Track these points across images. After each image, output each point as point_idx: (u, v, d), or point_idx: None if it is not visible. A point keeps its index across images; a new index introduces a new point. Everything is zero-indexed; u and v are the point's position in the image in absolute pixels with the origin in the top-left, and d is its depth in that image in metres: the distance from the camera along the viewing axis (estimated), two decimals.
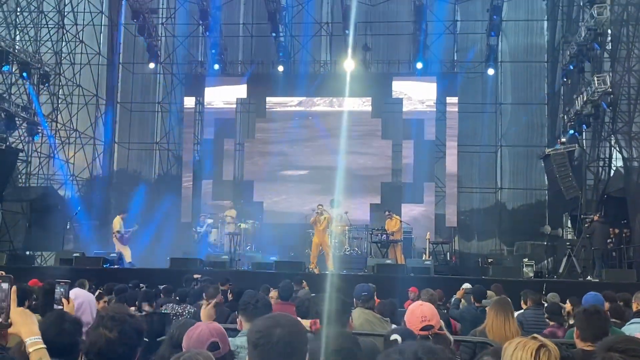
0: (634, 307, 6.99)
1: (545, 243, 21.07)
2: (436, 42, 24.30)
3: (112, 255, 16.83)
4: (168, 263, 15.95)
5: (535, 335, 2.83)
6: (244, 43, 26.64)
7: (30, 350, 2.68)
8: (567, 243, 18.44)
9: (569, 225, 21.00)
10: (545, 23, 25.12)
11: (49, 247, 20.09)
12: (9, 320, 2.78)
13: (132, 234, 18.56)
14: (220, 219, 20.93)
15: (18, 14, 22.43)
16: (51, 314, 3.50)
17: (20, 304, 5.15)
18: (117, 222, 18.30)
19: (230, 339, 3.59)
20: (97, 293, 7.86)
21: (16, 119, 20.70)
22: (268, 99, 25.17)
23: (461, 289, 10.35)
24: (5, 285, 2.77)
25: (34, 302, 6.16)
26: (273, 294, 7.88)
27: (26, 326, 2.73)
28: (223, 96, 25.58)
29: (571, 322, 7.07)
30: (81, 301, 4.79)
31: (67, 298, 4.18)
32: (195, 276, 12.12)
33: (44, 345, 2.70)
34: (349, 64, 22.94)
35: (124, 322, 2.88)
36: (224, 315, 7.52)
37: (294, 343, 2.40)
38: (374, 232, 19.00)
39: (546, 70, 24.82)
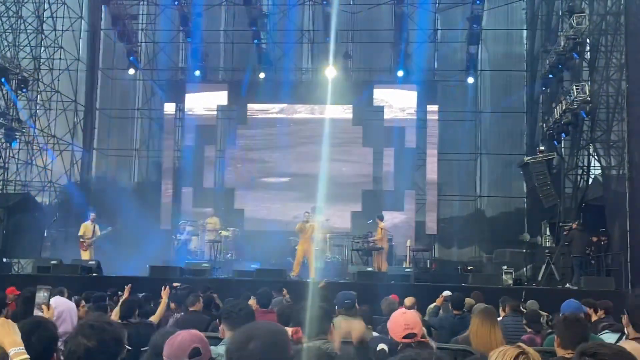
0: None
1: (524, 251, 21.23)
2: (417, 51, 24.42)
3: (90, 263, 16.67)
4: (147, 271, 15.82)
5: (519, 344, 2.84)
6: (225, 49, 26.56)
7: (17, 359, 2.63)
8: (546, 251, 18.59)
9: (548, 232, 21.15)
10: (525, 32, 25.33)
11: (26, 254, 19.83)
12: None
13: (106, 238, 18.41)
14: (200, 226, 20.82)
15: None
16: (25, 321, 3.44)
17: None
18: (83, 227, 18.21)
19: (212, 347, 3.55)
20: (73, 299, 7.76)
21: None
22: (249, 105, 25.12)
23: (440, 296, 10.36)
24: None
25: (9, 311, 6.07)
26: (252, 302, 7.84)
27: (9, 336, 2.69)
28: (204, 103, 25.49)
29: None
30: (62, 310, 4.73)
31: (48, 305, 4.13)
32: (175, 284, 12.02)
33: (28, 356, 2.66)
34: (330, 72, 22.99)
35: (103, 331, 2.86)
36: (204, 324, 7.46)
37: (270, 354, 2.37)
38: (356, 239, 19.00)
39: (525, 79, 25.01)
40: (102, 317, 3.10)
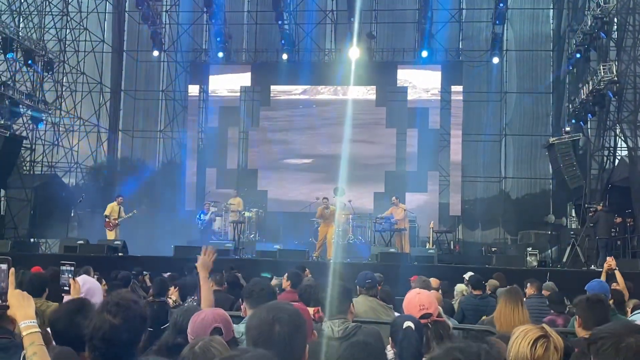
0: None
1: (549, 232, 21.08)
2: (441, 31, 24.19)
3: (116, 242, 16.87)
4: (172, 251, 15.98)
5: (543, 325, 2.83)
6: (248, 31, 26.55)
7: (24, 333, 2.64)
8: (571, 232, 18.46)
9: (573, 214, 20.98)
10: (551, 11, 24.98)
11: (53, 235, 20.14)
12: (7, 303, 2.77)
13: (131, 220, 18.60)
14: (224, 207, 20.95)
15: (22, 1, 22.37)
16: (68, 304, 3.50)
17: (38, 293, 5.15)
18: (110, 208, 18.39)
19: (234, 325, 3.60)
20: (95, 277, 7.85)
21: (20, 106, 20.72)
22: (272, 87, 25.14)
23: (464, 277, 10.33)
24: (3, 267, 2.74)
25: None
26: (285, 281, 7.89)
27: (22, 309, 2.69)
28: (227, 84, 25.56)
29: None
30: (89, 287, 4.80)
31: (74, 279, 4.18)
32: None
33: (38, 330, 2.66)
34: (354, 53, 22.85)
35: (129, 308, 2.88)
36: (228, 303, 7.53)
37: (293, 339, 2.38)
38: (377, 220, 19.00)
39: (551, 59, 24.70)
40: (127, 294, 3.13)
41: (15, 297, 2.73)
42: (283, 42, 24.48)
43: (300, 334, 2.43)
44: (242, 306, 4.55)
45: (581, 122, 20.36)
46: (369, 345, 3.42)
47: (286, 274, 7.93)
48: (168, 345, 3.34)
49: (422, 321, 3.90)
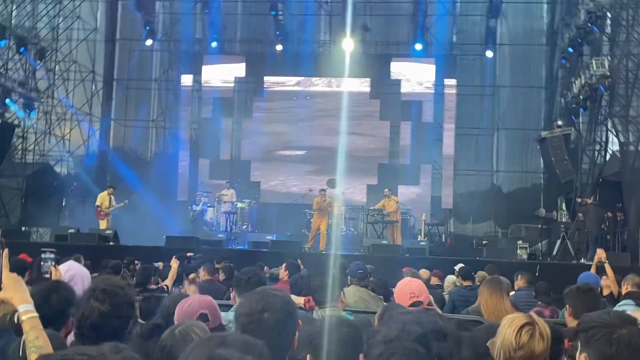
0: (624, 289, 7.05)
1: (540, 226, 21.15)
2: (436, 24, 24.18)
3: (107, 232, 16.85)
4: (164, 241, 15.97)
5: (531, 313, 2.85)
6: (242, 21, 26.44)
7: (23, 318, 2.62)
8: (562, 226, 18.51)
9: (564, 208, 21.06)
10: (545, 6, 24.97)
11: (44, 223, 20.10)
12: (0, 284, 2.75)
13: (123, 209, 18.57)
14: (216, 198, 20.94)
15: None
16: (43, 285, 3.49)
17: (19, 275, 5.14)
18: (100, 197, 18.35)
19: (223, 313, 3.62)
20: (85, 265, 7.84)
21: (13, 94, 20.63)
22: (266, 78, 25.11)
23: (455, 269, 10.40)
24: None
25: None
26: (283, 271, 7.93)
27: (19, 293, 2.66)
28: (221, 74, 25.49)
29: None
30: (73, 273, 4.78)
31: (55, 266, 4.17)
32: (189, 254, 12.12)
33: (37, 314, 2.65)
34: (348, 44, 22.80)
35: (116, 295, 2.87)
36: (220, 292, 7.57)
37: (283, 327, 2.39)
38: (370, 212, 19.04)
39: (545, 54, 24.72)
40: (114, 280, 3.13)
41: (10, 280, 2.69)
42: (277, 33, 24.41)
43: (290, 321, 2.44)
44: (231, 294, 4.59)
45: (573, 117, 20.43)
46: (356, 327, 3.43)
47: (284, 264, 7.98)
48: (149, 326, 3.35)
49: (413, 309, 3.93)
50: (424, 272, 9.80)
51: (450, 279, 10.08)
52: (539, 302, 7.34)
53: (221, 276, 9.04)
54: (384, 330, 1.68)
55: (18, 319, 3.31)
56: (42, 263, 4.31)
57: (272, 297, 2.45)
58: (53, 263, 4.28)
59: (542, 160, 21.64)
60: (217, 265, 9.56)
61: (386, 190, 19.12)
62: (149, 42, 25.09)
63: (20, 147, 21.97)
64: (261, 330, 2.35)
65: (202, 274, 8.54)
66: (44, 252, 4.28)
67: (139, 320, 4.87)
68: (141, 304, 5.27)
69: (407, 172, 23.54)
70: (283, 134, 24.53)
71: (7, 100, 20.34)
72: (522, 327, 2.71)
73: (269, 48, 24.76)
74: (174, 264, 8.29)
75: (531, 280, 8.67)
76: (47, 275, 4.26)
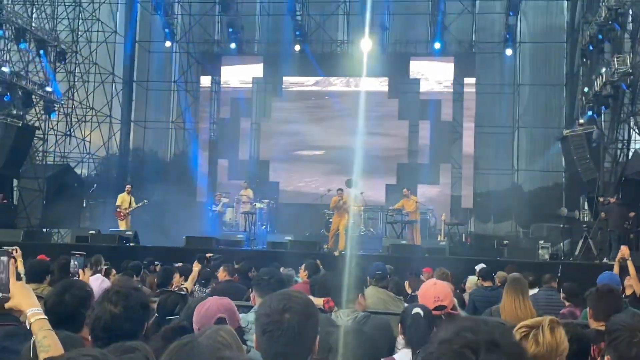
0: None
1: (562, 225, 20.93)
2: (454, 22, 24.06)
3: (127, 233, 16.92)
4: (183, 242, 16.01)
5: (547, 317, 2.80)
6: (260, 22, 26.49)
7: (32, 320, 2.62)
8: (584, 225, 18.31)
9: (586, 207, 20.83)
10: (565, 3, 24.76)
11: (65, 225, 20.26)
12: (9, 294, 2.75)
13: (141, 209, 18.65)
14: (235, 198, 20.96)
15: None
16: (58, 284, 3.48)
17: (40, 279, 5.15)
18: (120, 198, 18.45)
19: (242, 314, 3.59)
20: (104, 268, 7.86)
21: (33, 96, 20.81)
22: (284, 78, 25.10)
23: (475, 269, 10.30)
24: (4, 259, 2.73)
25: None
26: (303, 273, 7.90)
27: (27, 298, 2.68)
28: (239, 75, 25.54)
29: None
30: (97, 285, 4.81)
31: (83, 269, 4.19)
32: (208, 255, 12.15)
33: (45, 316, 2.67)
34: (366, 44, 22.70)
35: (129, 297, 2.85)
36: (240, 293, 7.54)
37: (303, 329, 2.34)
38: (389, 212, 18.96)
39: (565, 51, 24.50)
40: (128, 282, 3.11)
41: (17, 288, 2.72)
42: (296, 33, 24.40)
43: (311, 323, 2.40)
44: (251, 295, 4.57)
45: (595, 115, 20.17)
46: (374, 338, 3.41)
47: (304, 265, 7.95)
48: (172, 327, 3.32)
49: (436, 313, 3.88)
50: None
51: (472, 279, 9.99)
52: (567, 304, 7.22)
53: (235, 276, 9.02)
54: (442, 332, 1.67)
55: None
56: (71, 265, 4.33)
57: (293, 299, 2.42)
58: (80, 265, 4.30)
59: (563, 158, 21.45)
60: (236, 266, 9.55)
61: (405, 190, 19.03)
62: (167, 43, 25.21)
63: (41, 148, 22.16)
64: (281, 331, 2.31)
65: (222, 275, 8.53)
66: (73, 254, 4.30)
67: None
68: (159, 300, 5.27)
69: (426, 171, 23.40)
70: (301, 134, 24.49)
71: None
72: (526, 335, 2.69)
73: (287, 48, 24.75)
74: (196, 267, 8.31)
75: (552, 281, 8.56)
76: (75, 277, 4.27)
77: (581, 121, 20.04)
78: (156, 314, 4.55)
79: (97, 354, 1.87)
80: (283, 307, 2.35)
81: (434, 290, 4.14)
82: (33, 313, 2.63)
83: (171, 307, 5.06)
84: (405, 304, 6.29)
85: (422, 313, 3.71)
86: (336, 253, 16.06)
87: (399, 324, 3.91)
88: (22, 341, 2.77)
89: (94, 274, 6.10)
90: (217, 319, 3.14)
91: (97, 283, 4.52)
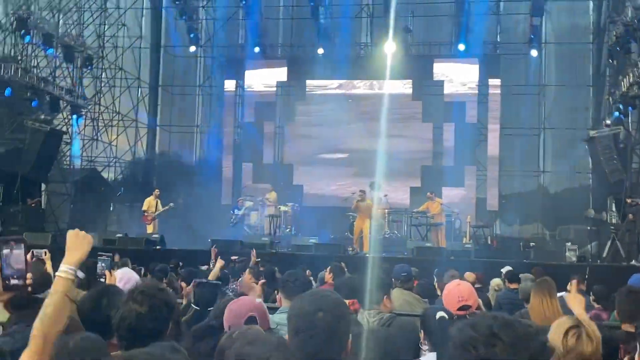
0: None
1: (589, 227, 20.70)
2: (478, 23, 23.90)
3: (154, 236, 17.07)
4: (209, 244, 16.09)
5: (576, 316, 2.80)
6: (284, 25, 26.59)
7: (58, 274, 2.66)
8: (611, 227, 18.10)
9: (613, 209, 20.59)
10: (591, 3, 24.52)
11: (92, 228, 20.39)
12: (27, 281, 2.79)
13: (169, 214, 18.78)
14: (260, 201, 21.04)
15: None
16: (93, 289, 3.53)
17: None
18: (147, 202, 18.60)
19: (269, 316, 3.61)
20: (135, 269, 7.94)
21: (60, 101, 21.08)
22: (308, 81, 25.14)
23: (501, 271, 10.24)
24: (18, 251, 2.77)
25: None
26: (328, 276, 7.91)
27: (70, 252, 2.71)
28: (263, 79, 25.64)
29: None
30: (126, 279, 4.86)
31: (110, 271, 4.24)
32: (233, 258, 12.19)
33: (72, 277, 2.67)
34: (390, 46, 22.67)
35: (154, 297, 2.87)
36: (266, 295, 7.57)
37: (337, 328, 2.34)
38: (414, 215, 18.91)
39: (591, 51, 24.26)
40: (153, 282, 3.14)
41: (70, 237, 2.76)
42: (319, 36, 24.43)
43: (343, 322, 2.39)
44: (277, 297, 4.60)
45: (622, 115, 19.94)
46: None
47: (329, 267, 7.96)
48: (202, 327, 3.36)
49: (460, 313, 3.88)
50: (469, 275, 9.64)
51: (494, 282, 9.92)
52: (596, 306, 7.16)
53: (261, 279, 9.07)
54: (454, 329, 1.71)
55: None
56: (99, 265, 4.39)
57: (325, 298, 2.42)
58: (107, 267, 4.35)
59: (590, 160, 21.23)
60: (261, 269, 9.57)
61: (429, 193, 19.00)
62: (192, 48, 25.40)
63: (68, 153, 22.44)
64: (313, 330, 2.31)
65: (247, 278, 8.56)
66: (100, 256, 4.35)
67: (192, 305, 4.92)
68: (195, 291, 5.33)
69: (451, 173, 23.27)
70: (325, 137, 24.51)
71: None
72: (568, 330, 2.66)
73: (311, 52, 24.79)
74: (218, 263, 8.37)
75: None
76: (102, 279, 4.33)
77: (608, 122, 19.83)
78: (197, 307, 4.60)
79: (156, 353, 1.89)
80: (316, 307, 2.34)
81: (457, 291, 4.14)
82: (63, 270, 2.67)
83: (210, 297, 5.12)
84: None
85: (446, 317, 3.72)
86: (350, 249, 16.06)
87: (421, 328, 3.91)
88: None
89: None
90: (247, 318, 3.16)
91: (121, 284, 4.57)
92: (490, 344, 1.65)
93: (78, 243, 2.75)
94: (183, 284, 7.76)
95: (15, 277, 2.77)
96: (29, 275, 2.81)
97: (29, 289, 2.83)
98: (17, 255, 2.77)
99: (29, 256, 2.86)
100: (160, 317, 2.87)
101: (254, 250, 10.55)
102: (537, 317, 5.10)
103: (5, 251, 2.75)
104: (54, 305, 2.56)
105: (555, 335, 2.70)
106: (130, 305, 2.85)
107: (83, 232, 2.82)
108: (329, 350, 2.31)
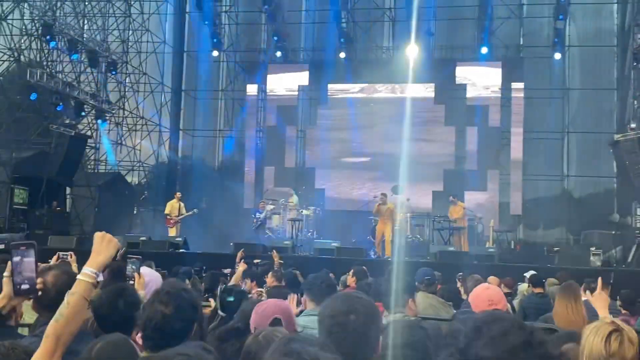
0: None
1: (614, 232, 20.49)
2: (501, 27, 23.77)
3: (177, 239, 17.17)
4: (232, 248, 16.16)
5: (614, 320, 2.77)
6: (305, 30, 26.65)
7: (79, 277, 2.68)
8: (636, 232, 17.93)
9: (639, 213, 20.37)
10: (615, 5, 24.31)
11: (116, 231, 20.51)
12: (37, 286, 2.83)
13: (192, 217, 18.88)
14: (282, 205, 21.08)
15: (86, 3, 23.01)
16: (109, 289, 3.56)
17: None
18: (169, 205, 18.70)
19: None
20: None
21: (85, 106, 21.30)
22: (330, 85, 25.16)
23: (525, 276, 10.17)
24: (30, 254, 2.81)
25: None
26: (350, 278, 7.92)
27: (94, 255, 2.74)
28: (285, 83, 25.71)
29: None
30: (148, 280, 4.91)
31: (139, 273, 4.27)
32: (255, 261, 12.23)
33: (93, 280, 2.69)
34: (412, 50, 22.63)
35: (179, 297, 2.90)
36: (282, 297, 7.58)
37: (369, 329, 2.35)
38: (437, 219, 18.83)
39: (616, 55, 24.03)
40: (178, 283, 3.17)
41: (96, 240, 2.80)
42: (341, 40, 24.45)
43: (375, 325, 2.40)
44: (302, 299, 4.61)
45: None
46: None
47: (352, 270, 7.97)
48: (227, 329, 3.38)
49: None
50: (493, 279, 9.59)
51: (522, 287, 9.85)
52: (623, 311, 7.08)
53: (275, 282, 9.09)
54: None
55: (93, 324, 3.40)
56: (128, 267, 4.43)
57: (356, 300, 2.43)
58: (136, 270, 4.39)
59: (615, 164, 21.02)
60: (283, 272, 9.60)
61: (451, 197, 18.92)
62: (215, 53, 25.54)
63: (92, 157, 22.66)
64: (346, 332, 2.32)
65: (270, 280, 8.59)
66: (130, 258, 4.39)
67: (219, 312, 4.95)
68: (221, 297, 5.36)
69: (473, 177, 23.15)
70: (347, 141, 24.52)
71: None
72: (609, 334, 2.63)
73: (333, 56, 24.79)
74: (241, 267, 8.40)
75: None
76: (132, 282, 4.37)
77: (633, 126, 19.63)
78: (223, 314, 4.61)
79: (191, 353, 1.92)
80: (348, 309, 2.36)
81: (487, 294, 4.13)
82: (84, 273, 2.68)
83: (236, 305, 5.13)
84: (454, 311, 6.26)
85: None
86: (372, 253, 16.01)
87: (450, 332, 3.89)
88: (86, 341, 2.83)
89: None
90: (273, 319, 3.18)
91: (148, 287, 4.60)
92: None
93: (103, 246, 2.78)
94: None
95: (26, 281, 2.82)
96: (39, 280, 2.86)
97: (39, 293, 2.87)
98: (27, 263, 2.81)
99: (54, 259, 2.91)
100: (186, 318, 2.90)
101: (275, 251, 10.55)
102: (562, 322, 5.07)
103: (17, 259, 2.79)
104: (71, 306, 2.59)
105: (595, 338, 2.66)
106: (156, 305, 2.88)
107: (109, 235, 2.84)
108: (360, 351, 2.32)
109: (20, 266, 2.80)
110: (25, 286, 2.82)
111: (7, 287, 2.87)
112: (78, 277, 2.68)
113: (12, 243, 2.84)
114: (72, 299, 2.60)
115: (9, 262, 2.83)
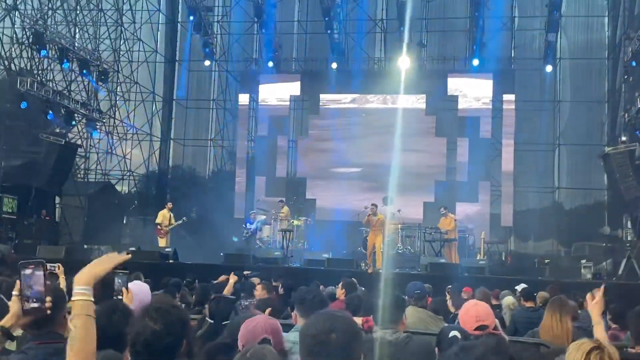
0: None
1: (604, 244, 20.52)
2: (493, 39, 23.87)
3: (167, 250, 17.07)
4: (222, 259, 16.07)
5: (597, 338, 2.75)
6: (298, 40, 26.70)
7: (74, 299, 2.62)
8: (627, 245, 17.94)
9: (629, 226, 20.41)
10: (606, 19, 24.46)
11: (106, 241, 20.53)
12: (47, 304, 2.77)
13: (181, 227, 18.79)
14: (273, 215, 21.01)
15: (78, 12, 22.96)
16: (103, 304, 3.51)
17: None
18: (161, 215, 18.60)
19: (284, 334, 3.58)
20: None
21: (75, 115, 21.21)
22: (321, 96, 25.19)
23: (516, 289, 10.12)
24: (39, 273, 2.76)
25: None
26: (339, 290, 7.86)
27: (85, 272, 2.69)
28: (277, 93, 25.71)
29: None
30: (137, 292, 4.84)
31: (127, 288, 4.21)
32: (245, 273, 12.16)
33: (88, 298, 2.63)
34: (404, 61, 22.66)
35: (169, 314, 2.87)
36: (277, 311, 7.52)
37: (350, 348, 2.32)
38: (427, 230, 18.81)
39: (607, 67, 24.16)
40: (167, 299, 3.13)
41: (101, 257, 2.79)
42: (333, 51, 24.49)
43: (356, 342, 2.38)
44: (292, 314, 4.55)
45: (637, 132, 19.81)
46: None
47: (341, 283, 7.90)
48: (216, 344, 3.33)
49: (477, 333, 3.82)
50: (467, 291, 9.50)
51: (508, 300, 9.77)
52: (614, 326, 7.05)
53: (280, 290, 9.06)
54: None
55: None
56: (115, 283, 4.35)
57: (338, 318, 2.40)
58: (124, 284, 4.31)
59: (605, 176, 21.08)
60: (274, 283, 9.54)
61: (441, 208, 18.90)
62: (207, 62, 25.52)
63: (82, 166, 22.55)
64: (327, 351, 2.29)
65: (260, 292, 8.52)
66: (117, 273, 4.30)
67: (207, 319, 4.88)
68: (211, 305, 5.29)
69: (464, 189, 23.19)
70: (338, 151, 24.50)
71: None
72: (590, 351, 2.61)
73: (325, 66, 24.84)
74: (232, 279, 8.34)
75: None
76: (120, 297, 4.29)
77: (624, 139, 19.70)
78: (211, 321, 4.56)
79: None
80: (329, 327, 2.33)
81: (475, 311, 4.09)
82: (76, 292, 2.62)
83: (225, 313, 5.08)
84: (445, 324, 6.22)
85: (459, 335, 3.66)
86: (370, 270, 15.99)
87: (436, 347, 3.86)
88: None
89: None
90: (261, 339, 3.13)
91: (135, 304, 4.53)
92: None
93: (94, 264, 2.74)
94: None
95: (34, 300, 2.75)
96: (48, 298, 2.80)
97: (48, 312, 2.81)
98: (37, 277, 2.75)
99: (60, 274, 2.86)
100: (175, 334, 2.87)
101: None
102: (547, 335, 5.05)
103: (27, 271, 2.74)
104: (79, 327, 2.55)
105: (576, 355, 2.65)
106: (145, 322, 2.84)
107: (115, 253, 2.82)
108: None
109: (30, 281, 2.75)
110: (34, 304, 2.77)
111: (15, 305, 2.82)
112: (73, 299, 2.63)
113: (20, 262, 2.79)
114: (78, 321, 2.56)
115: (18, 281, 2.78)
